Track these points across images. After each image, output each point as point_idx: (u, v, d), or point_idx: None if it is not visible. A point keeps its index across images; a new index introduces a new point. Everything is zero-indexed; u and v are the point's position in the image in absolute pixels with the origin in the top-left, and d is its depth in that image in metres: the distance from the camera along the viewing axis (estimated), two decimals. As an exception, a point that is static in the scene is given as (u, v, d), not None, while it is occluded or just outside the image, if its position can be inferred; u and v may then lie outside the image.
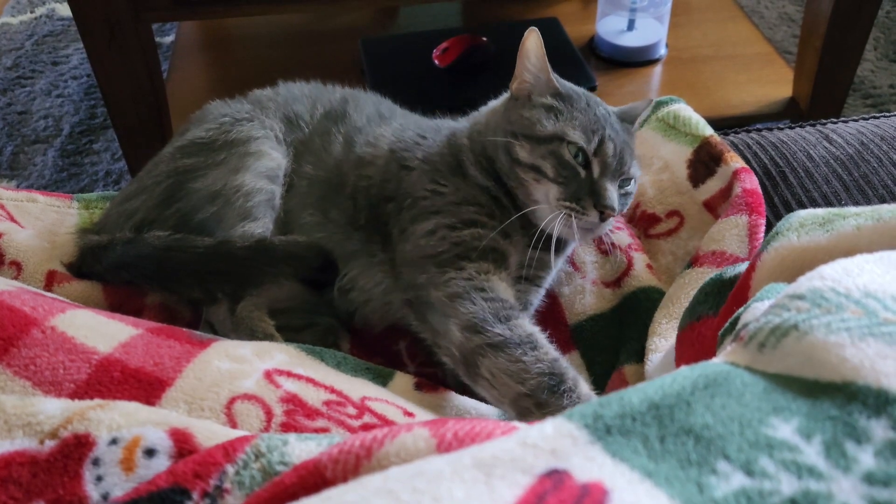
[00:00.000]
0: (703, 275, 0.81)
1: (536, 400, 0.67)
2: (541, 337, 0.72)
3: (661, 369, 0.72)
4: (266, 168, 0.85)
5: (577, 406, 0.39)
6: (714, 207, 0.90)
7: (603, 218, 0.79)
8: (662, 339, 0.77)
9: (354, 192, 0.86)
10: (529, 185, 0.81)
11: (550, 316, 0.88)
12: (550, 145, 0.80)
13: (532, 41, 0.81)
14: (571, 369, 0.70)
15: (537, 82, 0.83)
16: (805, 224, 0.59)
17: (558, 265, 0.88)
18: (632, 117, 0.90)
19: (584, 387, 0.70)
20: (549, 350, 0.71)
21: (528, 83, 0.83)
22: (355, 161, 0.88)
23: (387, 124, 0.91)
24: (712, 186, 0.91)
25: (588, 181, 0.79)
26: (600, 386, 0.82)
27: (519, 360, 0.69)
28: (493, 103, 0.91)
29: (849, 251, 0.50)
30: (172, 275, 0.81)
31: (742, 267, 0.68)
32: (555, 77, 0.83)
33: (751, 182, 0.87)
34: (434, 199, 0.82)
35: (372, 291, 0.84)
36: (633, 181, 0.85)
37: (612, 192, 0.79)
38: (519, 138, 0.81)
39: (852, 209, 0.59)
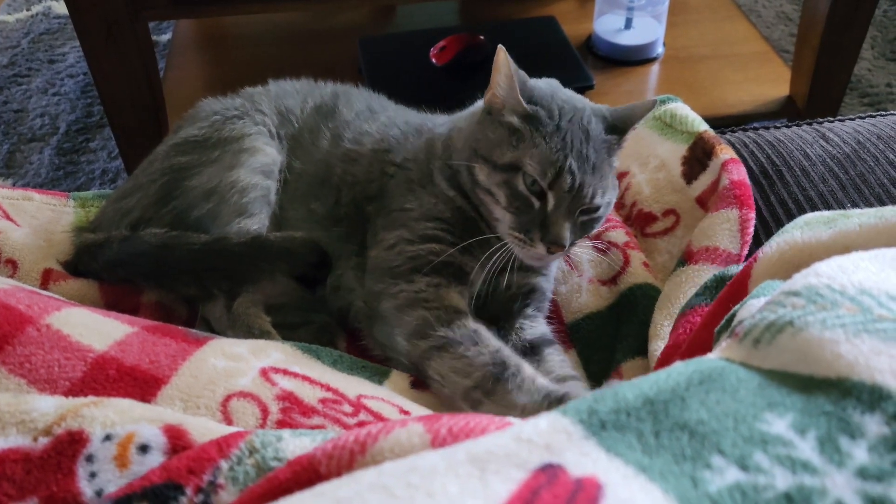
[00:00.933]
0: (697, 272, 0.81)
1: (483, 389, 0.70)
2: (485, 332, 0.74)
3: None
4: (261, 164, 0.85)
5: (571, 401, 0.39)
6: (705, 201, 0.90)
7: (550, 252, 0.77)
8: (664, 341, 0.77)
9: (340, 184, 0.87)
10: (489, 206, 0.80)
11: (547, 315, 0.88)
12: (506, 174, 0.77)
13: (501, 57, 0.77)
14: (514, 356, 0.72)
15: (507, 99, 0.79)
16: (811, 223, 0.59)
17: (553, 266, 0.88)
18: (626, 123, 0.83)
19: (528, 369, 0.71)
20: (492, 342, 0.73)
21: (498, 98, 0.80)
22: (342, 156, 0.88)
23: (374, 120, 0.91)
24: (704, 181, 0.91)
25: (541, 213, 0.77)
26: (597, 384, 0.82)
27: (462, 355, 0.71)
28: (476, 105, 0.88)
29: (847, 248, 0.50)
30: (169, 272, 0.81)
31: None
32: (526, 92, 0.79)
33: (738, 173, 0.86)
34: (400, 213, 0.82)
35: (353, 293, 0.85)
36: (600, 208, 0.81)
37: (563, 227, 0.76)
38: (479, 160, 0.79)
39: (857, 210, 0.59)
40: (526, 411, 0.68)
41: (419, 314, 0.75)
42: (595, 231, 0.84)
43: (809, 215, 0.61)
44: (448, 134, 0.86)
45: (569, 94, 0.84)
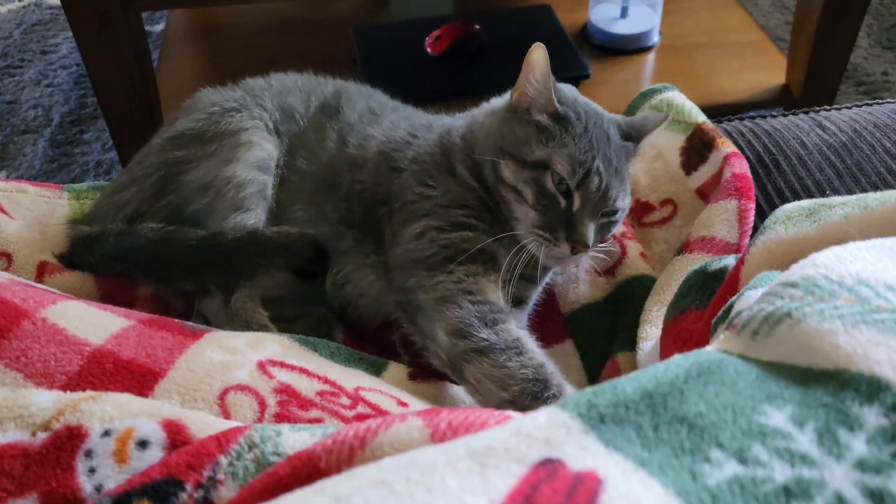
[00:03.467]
0: (693, 261, 0.81)
1: (520, 405, 0.67)
2: (528, 341, 0.72)
3: (653, 357, 0.72)
4: (257, 158, 0.85)
5: (570, 395, 0.38)
6: (706, 194, 0.90)
7: (574, 252, 0.77)
8: (654, 326, 0.77)
9: (349, 194, 0.86)
10: (511, 204, 0.79)
11: (544, 305, 0.88)
12: (535, 171, 0.77)
13: (538, 56, 0.77)
14: (557, 374, 0.70)
15: (538, 98, 0.79)
16: (792, 216, 0.59)
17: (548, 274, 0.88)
18: (640, 133, 0.85)
19: (569, 390, 0.69)
20: (535, 355, 0.70)
21: (528, 97, 0.79)
22: (348, 161, 0.87)
23: (377, 123, 0.90)
24: (704, 173, 0.91)
25: (567, 212, 0.77)
26: (594, 375, 0.82)
27: (504, 365, 0.68)
28: (494, 103, 0.88)
29: (836, 241, 0.50)
30: (165, 267, 0.80)
31: (728, 260, 0.68)
32: (556, 96, 0.79)
33: (740, 166, 0.86)
34: (423, 202, 0.81)
35: (366, 289, 0.84)
36: (619, 212, 0.82)
37: (588, 227, 0.77)
38: (506, 157, 0.79)
39: (838, 199, 0.59)
40: None
41: (461, 308, 0.72)
42: (611, 234, 0.84)
43: (789, 207, 0.61)
44: (468, 128, 0.85)
45: (587, 100, 0.84)
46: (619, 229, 0.91)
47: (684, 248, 0.84)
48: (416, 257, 0.78)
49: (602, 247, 0.84)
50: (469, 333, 0.70)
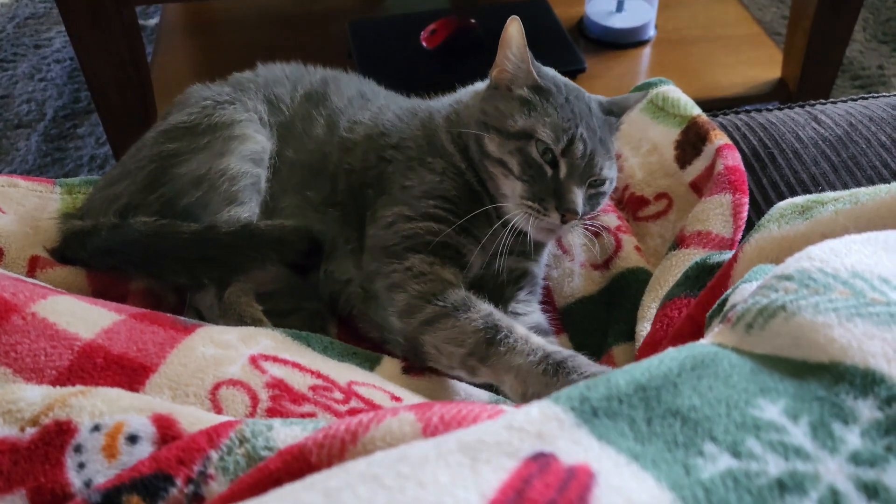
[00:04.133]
0: (688, 256, 0.80)
1: (478, 356, 0.69)
2: (474, 299, 0.73)
3: (650, 353, 0.72)
4: (251, 151, 0.84)
5: (563, 389, 0.38)
6: (700, 188, 0.90)
7: (564, 220, 0.77)
8: (651, 323, 0.77)
9: (335, 174, 0.86)
10: (497, 179, 0.80)
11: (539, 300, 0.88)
12: (519, 141, 0.78)
13: (514, 29, 0.78)
14: (505, 317, 0.71)
15: (517, 72, 0.80)
16: (785, 214, 0.59)
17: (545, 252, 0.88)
18: (621, 109, 0.86)
19: (521, 329, 0.70)
20: (482, 306, 0.72)
21: (508, 72, 0.81)
22: (339, 144, 0.87)
23: (366, 108, 0.90)
24: (698, 166, 0.90)
25: (554, 181, 0.77)
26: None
27: (454, 325, 0.71)
28: (476, 86, 0.89)
29: (828, 236, 0.50)
30: (158, 261, 0.80)
31: (728, 255, 0.68)
32: (535, 69, 0.80)
33: (733, 158, 0.86)
34: (401, 190, 0.81)
35: (349, 277, 0.84)
36: (607, 182, 0.82)
37: (577, 195, 0.77)
38: (490, 131, 0.79)
39: (831, 194, 0.59)
40: (521, 373, 0.67)
41: (409, 290, 0.74)
42: (600, 207, 0.85)
43: (782, 204, 0.61)
44: (453, 108, 0.86)
45: (567, 79, 0.85)
46: (613, 223, 0.90)
47: (679, 242, 0.84)
48: (381, 244, 0.79)
49: (591, 224, 0.85)
50: (417, 308, 0.73)
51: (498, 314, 0.72)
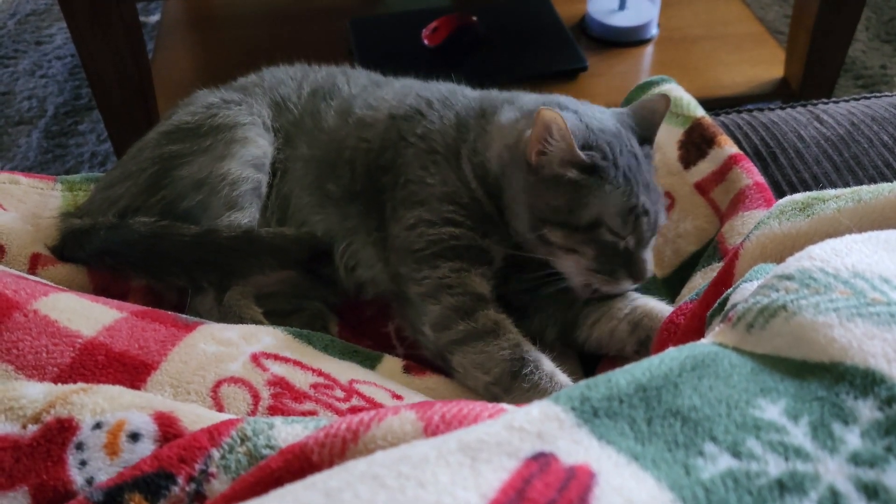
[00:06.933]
0: None
1: (502, 386, 0.70)
2: (506, 324, 0.73)
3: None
4: (252, 156, 0.84)
5: (563, 389, 0.38)
6: (706, 190, 0.89)
7: (635, 283, 0.78)
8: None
9: (353, 155, 0.85)
10: (560, 259, 0.78)
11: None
12: (590, 233, 0.76)
13: (551, 116, 0.72)
14: (533, 350, 0.72)
15: (560, 154, 0.74)
16: (785, 211, 0.59)
17: None
18: (652, 131, 0.83)
19: (547, 364, 0.71)
20: (512, 335, 0.72)
21: (546, 155, 0.75)
22: (356, 123, 0.86)
23: (388, 86, 0.89)
24: (704, 168, 0.90)
25: (625, 254, 0.76)
26: (592, 369, 0.82)
27: (483, 350, 0.71)
28: (502, 121, 0.81)
29: (829, 234, 0.50)
30: (157, 262, 0.80)
31: None
32: (577, 143, 0.74)
33: (756, 174, 0.85)
34: (421, 187, 0.80)
35: (375, 268, 0.84)
36: (661, 226, 0.81)
37: (647, 261, 0.77)
38: (548, 225, 0.76)
39: (832, 192, 0.59)
40: None
41: (443, 303, 0.74)
42: None
43: (783, 201, 0.61)
44: (478, 132, 0.82)
45: (596, 115, 0.80)
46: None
47: (724, 255, 0.82)
48: (408, 248, 0.79)
49: None
50: (448, 326, 0.73)
51: (526, 345, 0.72)
